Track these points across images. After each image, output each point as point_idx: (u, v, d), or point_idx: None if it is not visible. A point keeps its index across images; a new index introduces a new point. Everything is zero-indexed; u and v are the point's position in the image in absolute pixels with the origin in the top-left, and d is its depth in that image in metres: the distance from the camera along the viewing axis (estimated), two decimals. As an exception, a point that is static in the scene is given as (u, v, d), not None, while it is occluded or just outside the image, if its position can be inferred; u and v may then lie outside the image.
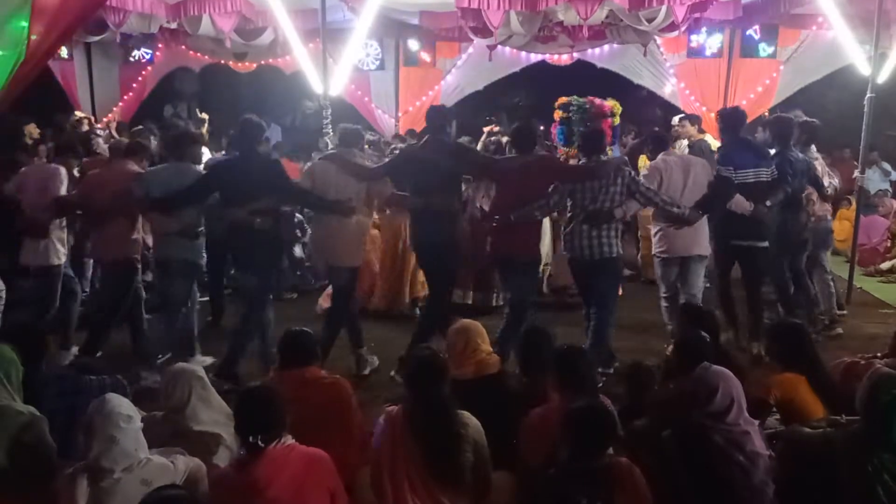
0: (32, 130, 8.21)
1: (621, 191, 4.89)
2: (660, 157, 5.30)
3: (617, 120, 7.26)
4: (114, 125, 9.06)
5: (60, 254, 5.44)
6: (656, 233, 5.33)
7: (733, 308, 5.60)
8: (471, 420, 3.05)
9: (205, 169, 5.66)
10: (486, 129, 8.34)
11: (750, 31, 9.48)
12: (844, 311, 6.36)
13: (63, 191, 5.39)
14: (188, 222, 5.07)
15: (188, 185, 5.00)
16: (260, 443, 2.72)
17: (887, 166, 10.33)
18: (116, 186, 5.17)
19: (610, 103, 7.33)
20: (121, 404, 2.75)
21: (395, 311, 6.60)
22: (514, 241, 4.96)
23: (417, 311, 6.47)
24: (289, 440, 2.79)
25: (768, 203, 5.34)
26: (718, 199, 5.16)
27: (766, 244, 5.42)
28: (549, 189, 4.92)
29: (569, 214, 5.05)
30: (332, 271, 5.29)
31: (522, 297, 5.06)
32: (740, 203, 5.23)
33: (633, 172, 5.08)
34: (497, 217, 5.00)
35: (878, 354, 4.16)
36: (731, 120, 5.66)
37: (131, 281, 5.31)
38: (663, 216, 5.17)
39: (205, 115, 8.56)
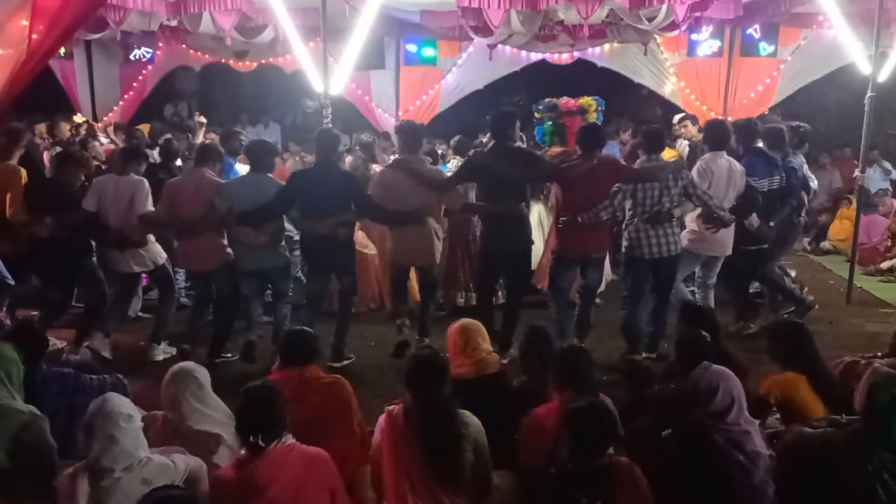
0: (42, 130, 8.21)
1: (680, 192, 5.13)
2: (708, 156, 5.49)
3: (593, 116, 7.08)
4: (111, 128, 9.00)
5: (159, 249, 5.56)
6: (693, 231, 5.50)
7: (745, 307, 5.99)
8: (471, 419, 3.05)
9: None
10: None
11: (750, 31, 9.47)
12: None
13: (149, 204, 5.36)
14: (274, 231, 5.17)
15: (271, 198, 5.06)
16: (260, 442, 2.73)
17: (888, 165, 10.33)
18: (197, 196, 5.16)
19: (584, 101, 7.16)
20: (121, 404, 2.76)
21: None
22: (590, 239, 5.19)
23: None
24: (289, 440, 2.80)
25: (772, 224, 5.73)
26: (749, 206, 5.51)
27: (766, 245, 5.81)
28: (612, 190, 5.05)
29: (629, 214, 5.21)
30: (418, 272, 5.60)
31: (594, 287, 5.45)
32: (751, 219, 5.57)
33: (690, 175, 5.28)
34: (564, 219, 5.14)
35: (879, 354, 4.17)
36: (746, 130, 5.93)
37: (235, 280, 5.34)
38: (705, 218, 5.36)
39: (202, 119, 8.54)
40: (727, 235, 5.48)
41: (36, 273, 5.68)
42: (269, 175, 5.25)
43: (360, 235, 6.41)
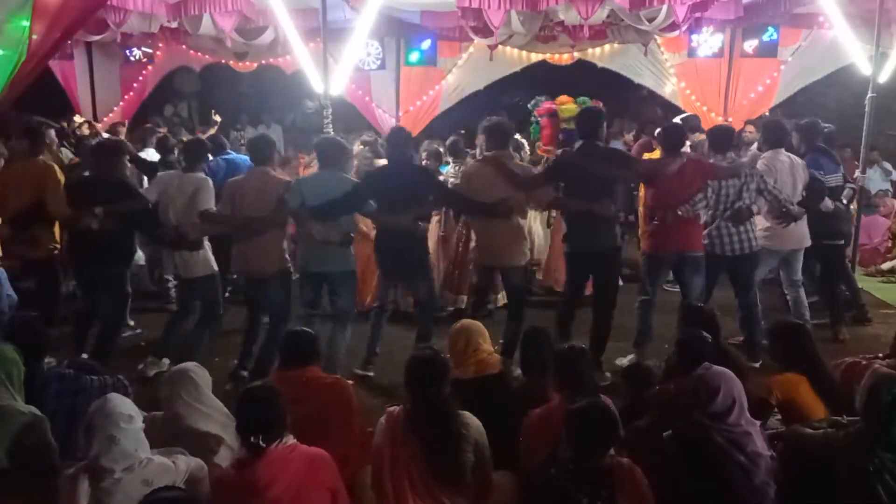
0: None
1: (756, 188, 5.27)
2: (769, 154, 5.59)
3: (570, 125, 6.93)
4: (123, 129, 8.90)
5: (211, 258, 5.35)
6: (766, 229, 5.58)
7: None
8: (472, 420, 3.05)
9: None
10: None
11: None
12: None
13: (212, 204, 5.20)
14: (346, 231, 5.01)
15: (345, 193, 4.93)
16: (261, 443, 2.72)
17: (888, 166, 10.31)
18: (261, 195, 4.95)
19: (566, 107, 7.10)
20: (122, 404, 2.76)
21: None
22: (687, 236, 5.20)
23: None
24: (290, 440, 2.80)
25: (844, 201, 6.00)
26: (815, 199, 5.68)
27: (842, 241, 6.12)
28: (703, 187, 5.15)
29: (709, 212, 5.28)
30: (502, 274, 5.38)
31: (697, 291, 5.23)
32: (824, 203, 5.75)
33: (760, 171, 5.39)
34: (657, 217, 5.16)
35: (880, 355, 4.16)
36: (809, 130, 6.11)
37: (290, 289, 5.19)
38: (774, 214, 5.48)
39: (218, 118, 8.46)
40: (802, 228, 5.57)
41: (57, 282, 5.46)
42: (343, 174, 5.13)
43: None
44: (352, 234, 5.08)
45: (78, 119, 9.55)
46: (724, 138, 5.48)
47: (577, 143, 5.25)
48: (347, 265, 5.06)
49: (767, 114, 9.39)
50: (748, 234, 5.29)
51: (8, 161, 5.38)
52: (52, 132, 5.74)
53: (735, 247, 5.27)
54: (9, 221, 5.09)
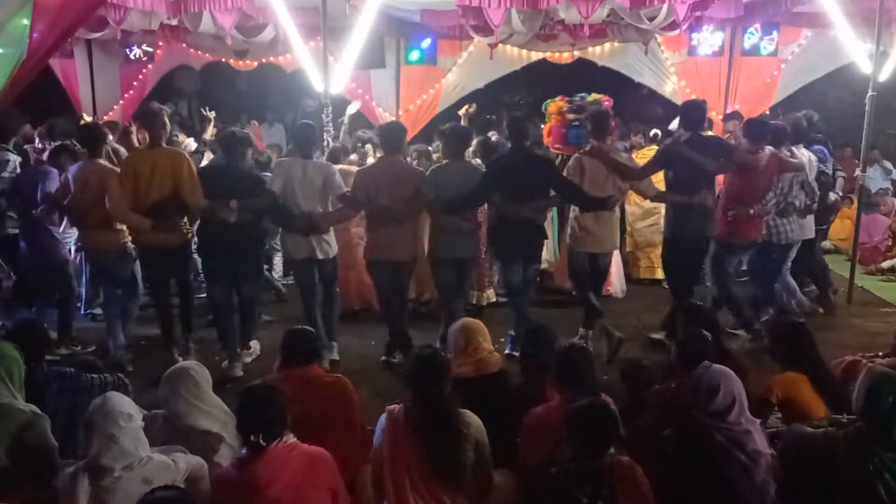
0: (33, 131, 8.17)
1: (798, 184, 5.69)
2: (786, 149, 5.82)
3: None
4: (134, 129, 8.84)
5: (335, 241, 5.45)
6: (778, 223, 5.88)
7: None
8: (472, 419, 3.05)
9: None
10: (462, 113, 8.00)
11: (751, 29, 9.45)
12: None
13: (343, 186, 5.23)
14: (475, 219, 5.26)
15: (476, 184, 5.10)
16: (262, 442, 2.72)
17: (888, 165, 10.33)
18: (395, 185, 5.05)
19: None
20: (122, 403, 2.76)
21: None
22: (756, 226, 5.57)
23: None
24: (290, 439, 2.80)
25: (840, 194, 6.44)
26: (824, 188, 6.10)
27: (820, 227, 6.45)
28: (774, 182, 5.51)
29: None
30: (596, 258, 5.65)
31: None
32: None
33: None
34: (730, 214, 5.51)
35: (880, 353, 4.17)
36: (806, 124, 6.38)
37: (411, 275, 5.42)
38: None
39: (212, 113, 8.47)
40: (811, 217, 6.00)
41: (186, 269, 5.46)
42: (472, 163, 5.30)
43: (360, 231, 6.37)
44: (480, 221, 5.38)
45: (86, 118, 9.51)
46: (782, 135, 5.74)
47: (685, 135, 5.49)
48: (474, 249, 5.49)
49: (768, 112, 9.40)
50: (791, 226, 5.75)
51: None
52: (166, 118, 5.57)
53: (790, 235, 5.74)
54: (147, 212, 5.06)
